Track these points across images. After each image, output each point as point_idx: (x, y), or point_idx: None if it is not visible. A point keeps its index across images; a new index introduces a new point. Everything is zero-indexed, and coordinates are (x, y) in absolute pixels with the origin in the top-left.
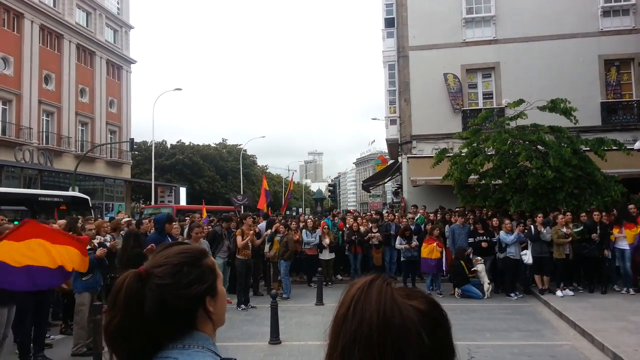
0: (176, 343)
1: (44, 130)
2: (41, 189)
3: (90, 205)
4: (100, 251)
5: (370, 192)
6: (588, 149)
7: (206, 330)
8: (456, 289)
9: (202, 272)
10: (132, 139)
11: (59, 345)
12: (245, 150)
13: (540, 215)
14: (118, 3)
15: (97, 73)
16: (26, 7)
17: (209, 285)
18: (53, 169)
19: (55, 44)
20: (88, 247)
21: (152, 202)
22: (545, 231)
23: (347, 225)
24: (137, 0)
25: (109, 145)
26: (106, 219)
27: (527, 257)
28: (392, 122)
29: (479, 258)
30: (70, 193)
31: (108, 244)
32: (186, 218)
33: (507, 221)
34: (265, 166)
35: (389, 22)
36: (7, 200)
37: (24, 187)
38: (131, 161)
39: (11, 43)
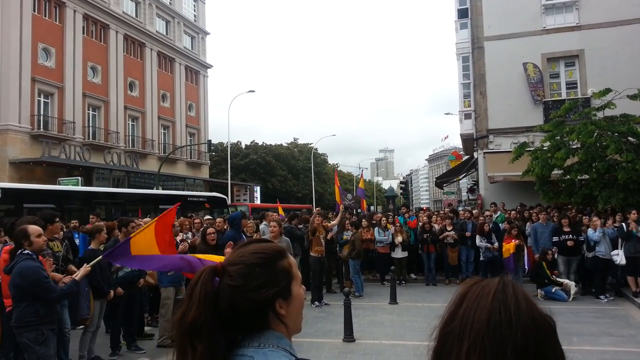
0: (252, 341)
1: (130, 134)
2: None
3: (228, 204)
4: (182, 246)
5: (443, 189)
6: None
7: (281, 329)
8: (539, 290)
9: (275, 275)
10: (210, 140)
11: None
12: (316, 149)
13: (633, 212)
14: (194, 10)
15: (177, 78)
16: (111, 18)
17: (281, 288)
18: (139, 170)
19: (138, 52)
20: None
21: (229, 201)
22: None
23: (420, 224)
24: (212, 7)
25: (188, 147)
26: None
27: (620, 257)
28: (467, 116)
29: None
30: (211, 194)
31: (189, 241)
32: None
33: (594, 218)
34: (336, 164)
35: (462, 13)
36: (164, 200)
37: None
38: (209, 162)
39: (99, 53)
